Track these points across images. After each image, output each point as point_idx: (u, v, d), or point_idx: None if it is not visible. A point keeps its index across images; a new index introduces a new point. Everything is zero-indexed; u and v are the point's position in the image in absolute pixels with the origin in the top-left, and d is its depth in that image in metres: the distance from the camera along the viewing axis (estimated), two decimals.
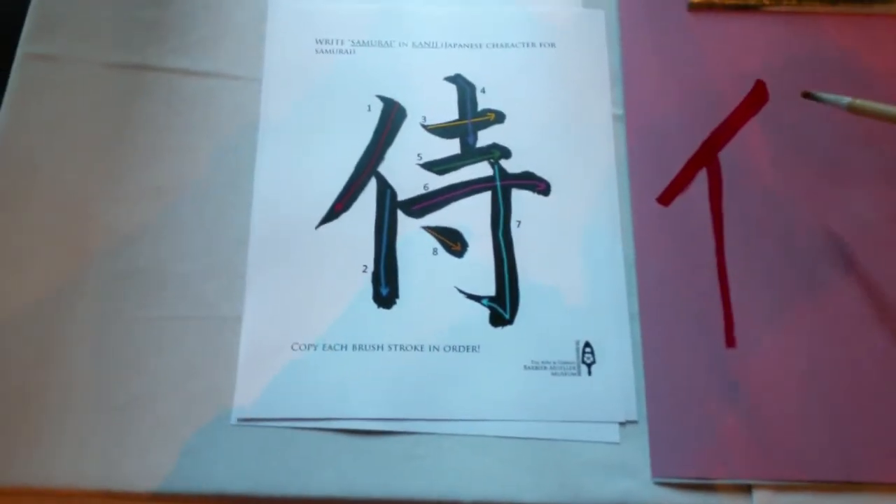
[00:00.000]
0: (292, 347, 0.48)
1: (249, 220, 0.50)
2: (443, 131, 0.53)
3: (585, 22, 0.56)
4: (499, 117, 0.54)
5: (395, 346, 0.48)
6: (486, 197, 0.52)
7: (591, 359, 0.48)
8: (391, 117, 0.53)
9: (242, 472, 0.45)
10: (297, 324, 0.48)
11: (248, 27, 0.55)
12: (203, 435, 0.46)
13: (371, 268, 0.50)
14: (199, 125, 0.53)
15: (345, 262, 0.50)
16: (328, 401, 0.47)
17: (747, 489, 0.45)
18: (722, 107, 0.53)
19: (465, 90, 0.54)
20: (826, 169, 0.52)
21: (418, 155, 0.53)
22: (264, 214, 0.51)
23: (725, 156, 0.52)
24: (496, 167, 0.53)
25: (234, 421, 0.46)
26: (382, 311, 0.49)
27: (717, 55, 0.55)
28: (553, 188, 0.52)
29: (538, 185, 0.52)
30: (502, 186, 0.52)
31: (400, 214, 0.51)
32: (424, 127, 0.53)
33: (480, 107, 0.54)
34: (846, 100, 0.47)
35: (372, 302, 0.49)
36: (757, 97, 0.54)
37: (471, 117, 0.54)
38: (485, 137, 0.53)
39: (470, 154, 0.53)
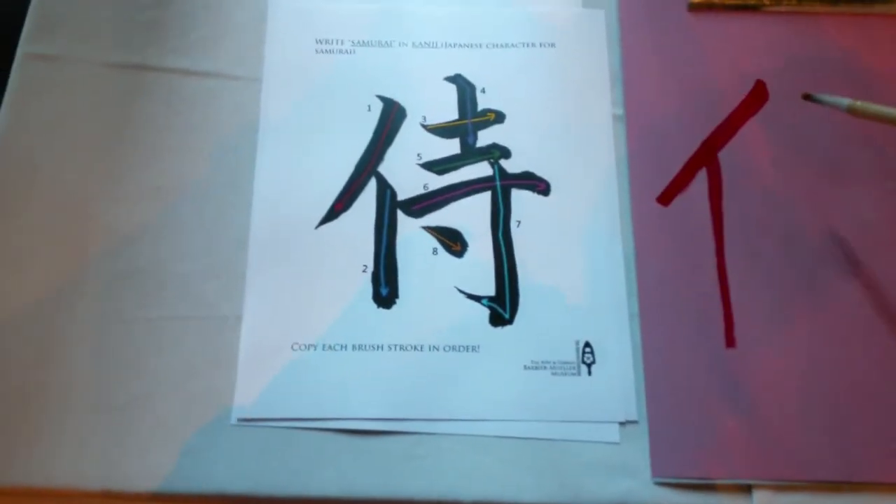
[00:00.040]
0: (292, 347, 0.48)
1: (249, 220, 0.50)
2: (443, 131, 0.53)
3: (585, 22, 0.56)
4: (499, 117, 0.54)
5: (395, 346, 0.48)
6: (485, 197, 0.52)
7: (591, 359, 0.48)
8: (391, 117, 0.53)
9: (242, 472, 0.45)
10: (297, 324, 0.48)
11: (248, 27, 0.55)
12: (203, 435, 0.46)
13: (371, 268, 0.50)
14: (199, 125, 0.53)
15: (345, 262, 0.50)
16: (328, 401, 0.47)
17: (747, 489, 0.45)
18: (722, 107, 0.53)
19: (465, 90, 0.54)
20: (826, 169, 0.52)
21: (418, 155, 0.53)
22: (264, 214, 0.51)
23: (725, 156, 0.52)
24: (496, 167, 0.53)
25: (234, 421, 0.46)
26: (382, 311, 0.49)
27: (718, 55, 0.55)
28: (553, 188, 0.52)
29: (538, 185, 0.52)
30: (502, 186, 0.52)
31: (400, 214, 0.51)
32: (424, 127, 0.53)
33: (480, 107, 0.54)
34: (846, 102, 0.47)
35: (372, 302, 0.49)
36: (757, 97, 0.54)
37: (471, 117, 0.54)
38: (485, 137, 0.53)
39: (470, 154, 0.53)
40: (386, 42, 0.56)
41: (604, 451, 0.46)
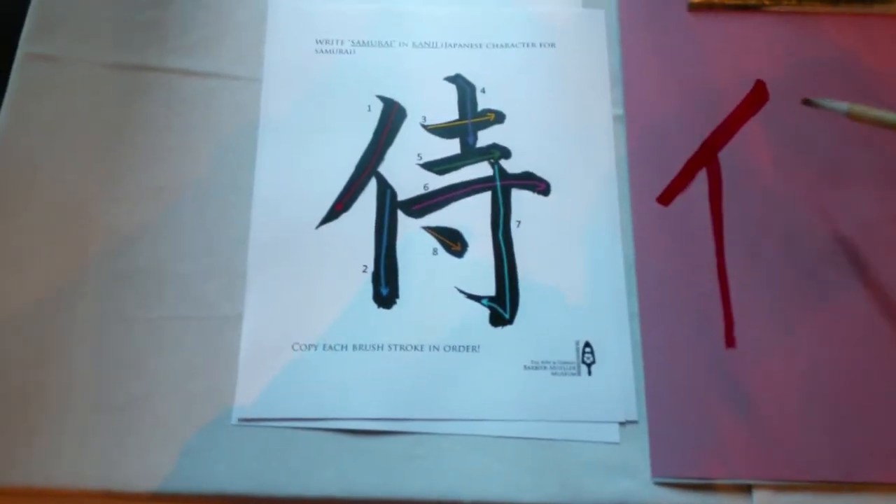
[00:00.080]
0: (293, 347, 0.48)
1: (249, 220, 0.50)
2: (443, 131, 0.53)
3: (585, 22, 0.56)
4: (499, 117, 0.54)
5: (395, 346, 0.48)
6: (486, 197, 0.52)
7: (591, 359, 0.48)
8: (391, 117, 0.53)
9: (243, 472, 0.45)
10: (298, 324, 0.48)
11: (248, 27, 0.55)
12: (203, 435, 0.46)
13: (371, 268, 0.50)
14: (199, 125, 0.53)
15: (345, 262, 0.50)
16: (328, 401, 0.47)
17: (747, 489, 0.45)
18: (722, 107, 0.53)
19: (465, 90, 0.54)
20: (826, 169, 0.52)
21: (418, 155, 0.53)
22: (264, 214, 0.51)
23: (725, 156, 0.52)
24: (496, 167, 0.53)
25: (234, 421, 0.46)
26: (382, 311, 0.49)
27: (718, 55, 0.55)
28: (553, 188, 0.52)
29: (538, 185, 0.52)
30: (502, 186, 0.52)
31: (400, 214, 0.51)
32: (424, 127, 0.53)
33: (480, 107, 0.54)
34: (845, 106, 0.47)
35: (372, 302, 0.49)
36: (757, 97, 0.54)
37: (471, 117, 0.54)
38: (485, 137, 0.53)
39: (470, 154, 0.53)
40: (386, 42, 0.56)
41: (604, 451, 0.46)
